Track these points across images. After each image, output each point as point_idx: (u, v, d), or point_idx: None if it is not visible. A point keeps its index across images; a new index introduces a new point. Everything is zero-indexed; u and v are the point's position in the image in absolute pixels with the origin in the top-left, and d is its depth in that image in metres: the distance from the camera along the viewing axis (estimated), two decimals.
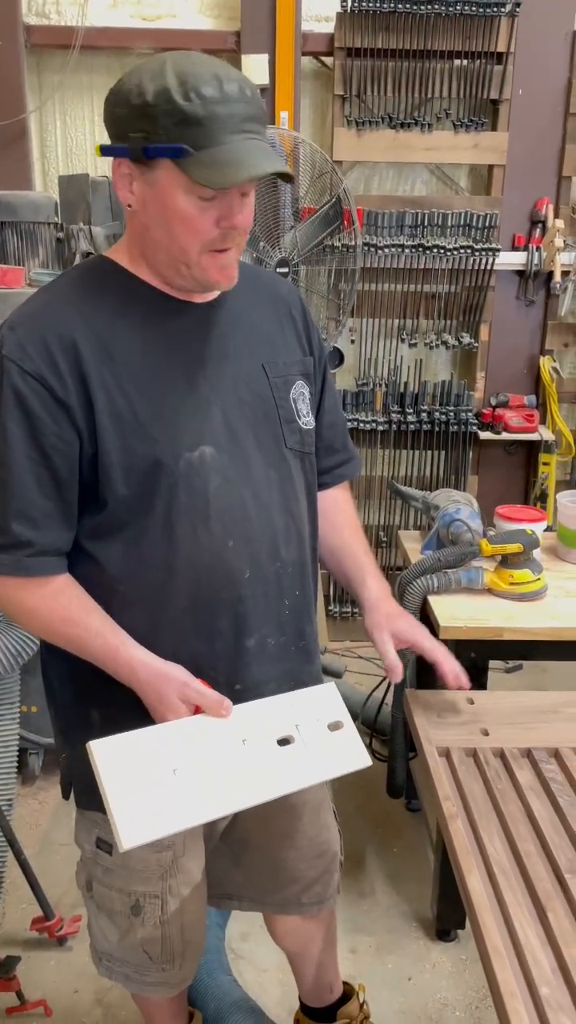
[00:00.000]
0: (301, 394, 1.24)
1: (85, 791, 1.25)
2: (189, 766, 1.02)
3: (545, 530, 2.12)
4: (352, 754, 1.15)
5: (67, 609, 1.09)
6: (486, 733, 1.28)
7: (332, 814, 1.48)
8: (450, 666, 1.29)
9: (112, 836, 1.22)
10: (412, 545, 2.21)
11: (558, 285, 3.08)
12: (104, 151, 1.06)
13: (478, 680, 1.83)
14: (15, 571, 1.08)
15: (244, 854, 1.42)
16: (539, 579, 1.87)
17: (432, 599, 1.87)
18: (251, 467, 1.14)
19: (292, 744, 1.11)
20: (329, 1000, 1.63)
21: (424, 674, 2.19)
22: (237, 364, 1.16)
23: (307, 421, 1.24)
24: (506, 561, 1.88)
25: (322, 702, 1.19)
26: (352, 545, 1.39)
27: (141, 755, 1.01)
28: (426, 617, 1.91)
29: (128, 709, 1.10)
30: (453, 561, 1.93)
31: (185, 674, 1.09)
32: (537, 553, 1.94)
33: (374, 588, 1.35)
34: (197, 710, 1.09)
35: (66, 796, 1.28)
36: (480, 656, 1.81)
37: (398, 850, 2.31)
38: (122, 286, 1.12)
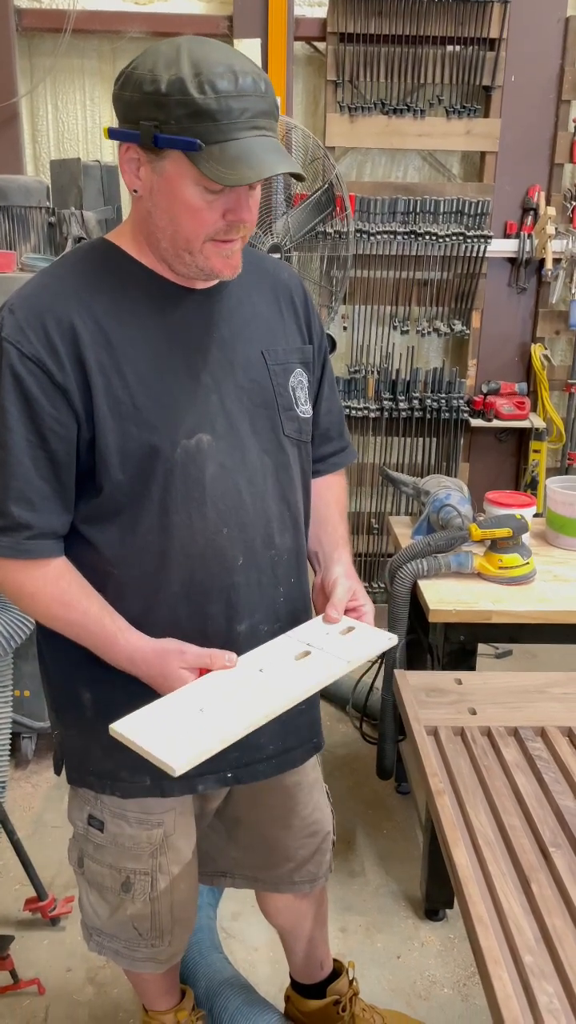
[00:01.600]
0: (300, 382, 1.24)
1: (75, 768, 1.26)
2: (214, 702, 1.03)
3: (534, 516, 2.14)
4: (373, 639, 1.15)
5: (66, 593, 1.11)
6: (473, 712, 1.30)
7: (325, 794, 1.50)
8: (335, 603, 1.20)
9: (103, 813, 1.24)
10: (403, 530, 2.23)
11: (549, 272, 3.09)
12: (112, 134, 1.05)
13: (466, 662, 1.85)
14: (14, 554, 1.08)
15: (237, 832, 1.44)
16: (528, 563, 1.89)
17: (422, 583, 1.89)
18: (247, 454, 1.15)
19: (310, 655, 1.12)
20: (319, 977, 1.65)
21: (414, 660, 2.22)
22: (236, 351, 1.17)
23: (305, 409, 1.25)
24: (495, 546, 1.90)
25: (322, 625, 1.20)
26: (335, 524, 1.37)
27: (163, 715, 1.02)
28: (416, 601, 1.93)
29: (119, 690, 1.12)
30: (443, 545, 1.95)
31: (178, 644, 1.10)
32: (526, 538, 1.95)
33: (345, 558, 1.31)
34: (202, 672, 1.10)
35: (58, 772, 1.30)
36: (469, 639, 1.83)
37: (388, 832, 2.34)
38: (123, 271, 1.12)
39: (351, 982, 1.68)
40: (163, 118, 0.99)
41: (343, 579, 1.25)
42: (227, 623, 1.16)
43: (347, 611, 1.22)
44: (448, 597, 1.83)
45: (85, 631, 1.11)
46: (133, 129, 1.02)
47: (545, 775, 1.15)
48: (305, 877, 1.48)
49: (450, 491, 2.09)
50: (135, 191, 1.07)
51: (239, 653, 1.12)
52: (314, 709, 1.34)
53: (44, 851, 2.19)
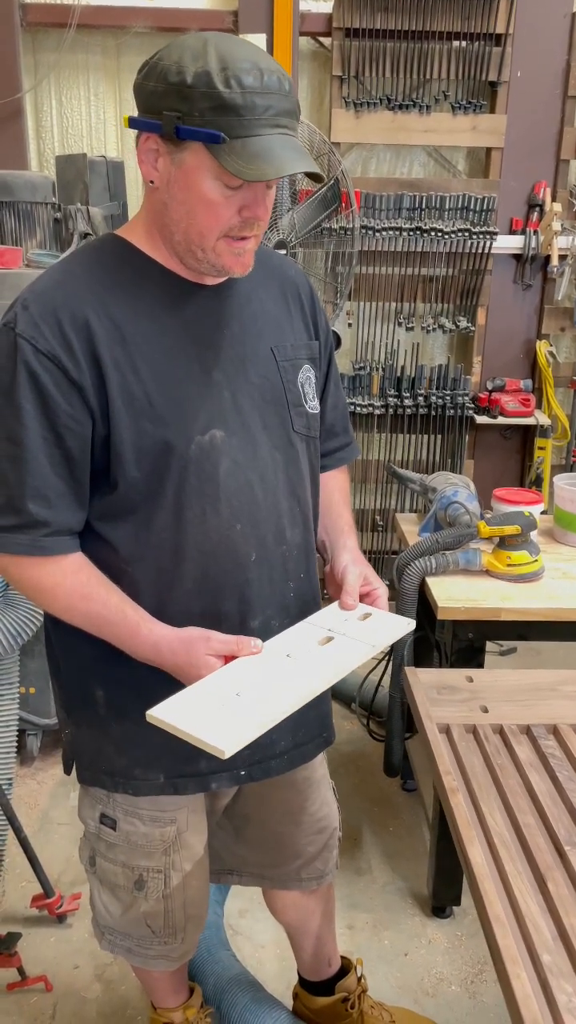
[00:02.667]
0: (308, 378, 1.24)
1: (87, 767, 1.26)
2: (249, 686, 1.03)
3: (541, 514, 2.13)
4: (393, 625, 1.16)
5: (86, 586, 1.10)
6: (485, 710, 1.30)
7: (332, 791, 1.49)
8: (348, 590, 1.22)
9: (115, 812, 1.23)
10: (409, 528, 2.23)
11: (555, 269, 3.08)
12: (133, 123, 1.04)
13: (475, 659, 1.85)
14: (32, 551, 1.08)
15: (246, 829, 1.44)
16: (536, 560, 1.89)
17: (430, 580, 1.89)
18: (258, 450, 1.15)
19: (334, 640, 1.12)
20: (327, 974, 1.65)
21: (421, 657, 2.21)
22: (247, 347, 1.16)
23: (313, 405, 1.24)
24: (504, 543, 1.90)
25: (341, 610, 1.20)
26: (339, 513, 1.37)
27: (200, 699, 1.02)
28: (424, 598, 1.92)
29: (131, 689, 1.11)
30: (451, 543, 1.94)
31: (202, 631, 1.09)
32: (534, 535, 1.95)
33: (353, 546, 1.32)
34: (228, 659, 1.09)
35: (67, 771, 1.29)
36: (477, 637, 1.83)
37: (394, 829, 2.33)
38: (135, 267, 1.12)
39: (359, 979, 1.68)
40: (187, 110, 0.98)
41: (352, 566, 1.26)
42: (240, 619, 1.16)
43: (361, 596, 1.23)
44: (456, 594, 1.82)
45: (106, 622, 1.10)
46: (155, 119, 1.01)
47: (559, 773, 1.15)
48: (313, 874, 1.48)
49: (457, 488, 2.09)
50: (151, 182, 1.07)
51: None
52: (324, 703, 1.34)
53: (50, 848, 2.19)
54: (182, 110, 0.98)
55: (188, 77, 0.97)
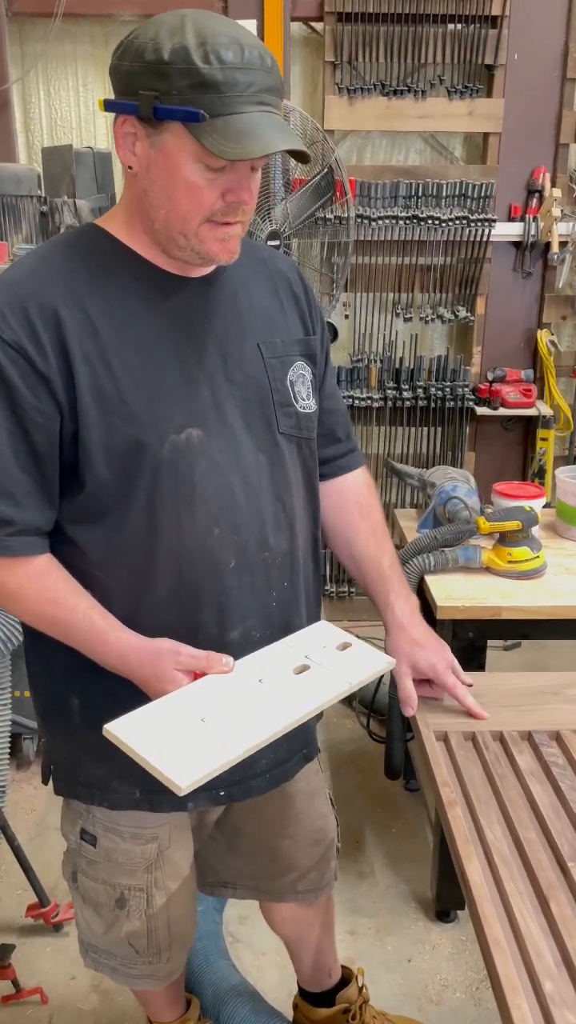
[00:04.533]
0: (301, 376, 1.18)
1: (63, 778, 1.22)
2: (215, 712, 0.98)
3: (543, 507, 2.08)
4: (372, 661, 1.11)
5: (52, 590, 1.05)
6: (485, 718, 1.24)
7: (328, 801, 1.45)
8: (470, 705, 1.24)
9: (92, 827, 1.19)
10: (408, 523, 2.18)
11: (555, 256, 3.01)
12: (108, 106, 0.99)
13: (476, 660, 1.80)
14: None
15: (238, 842, 1.39)
16: (538, 557, 1.84)
17: (429, 578, 1.84)
18: (240, 452, 1.09)
19: (309, 670, 1.08)
20: (328, 985, 1.61)
21: None
22: (230, 344, 1.11)
23: (306, 405, 1.18)
24: (504, 539, 1.85)
25: (321, 634, 1.16)
26: (376, 558, 1.31)
27: (162, 720, 0.97)
28: (423, 597, 1.87)
29: (107, 698, 1.06)
30: (450, 539, 1.89)
31: (173, 644, 1.04)
32: (536, 530, 1.90)
33: (398, 609, 1.28)
34: (197, 676, 1.05)
35: (45, 781, 1.25)
36: (479, 636, 1.78)
37: (397, 830, 2.29)
38: (113, 257, 1.06)
39: (361, 989, 1.64)
40: (164, 88, 0.93)
41: (434, 658, 1.26)
42: (219, 629, 1.11)
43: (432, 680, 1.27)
44: (456, 593, 1.77)
45: (73, 629, 1.05)
46: (131, 100, 0.96)
47: (562, 783, 1.10)
48: (309, 886, 1.44)
49: (457, 483, 2.03)
50: (130, 167, 1.02)
51: (233, 659, 1.07)
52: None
53: (46, 854, 2.15)
54: (160, 89, 0.93)
55: (165, 54, 0.92)
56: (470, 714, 1.25)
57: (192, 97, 0.92)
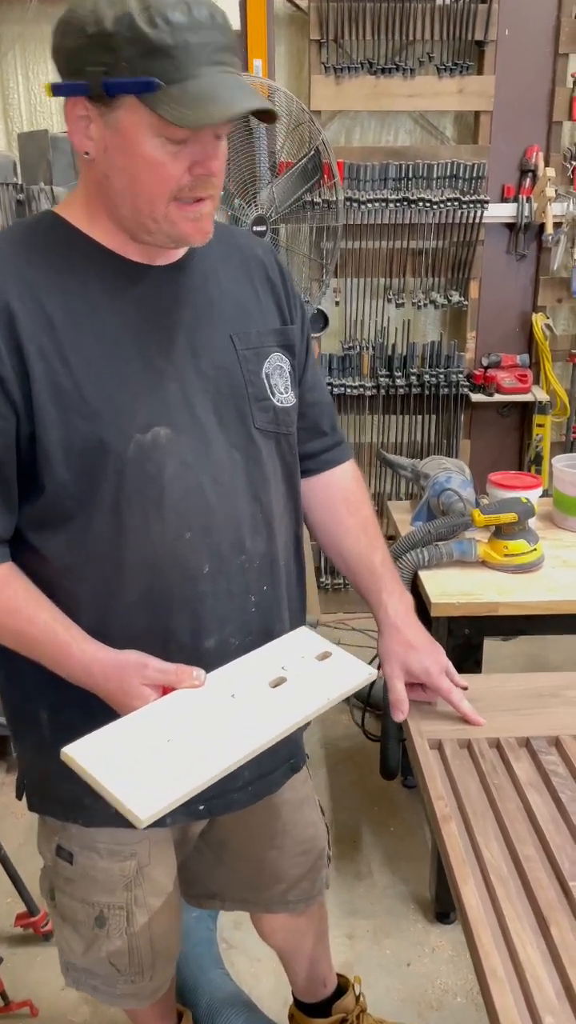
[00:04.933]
0: (278, 368, 1.12)
1: (36, 793, 1.17)
2: (183, 731, 0.92)
3: (541, 495, 2.02)
4: (352, 672, 1.05)
5: (12, 600, 0.99)
6: (481, 724, 1.19)
7: (317, 809, 1.40)
8: (466, 711, 1.18)
9: (69, 845, 1.14)
10: (402, 516, 2.12)
11: (550, 237, 2.95)
12: (55, 90, 0.92)
13: (472, 657, 1.75)
14: None
15: (225, 854, 1.34)
16: (535, 549, 1.78)
17: (423, 574, 1.78)
18: (212, 449, 1.03)
19: (286, 683, 1.02)
20: (323, 995, 1.56)
21: None
22: (200, 335, 1.04)
23: (284, 398, 1.12)
24: (500, 532, 1.79)
25: (299, 643, 1.10)
26: (366, 555, 1.24)
27: (125, 741, 0.92)
28: (416, 593, 1.81)
29: (78, 712, 1.01)
30: (444, 533, 1.84)
31: (141, 656, 0.98)
32: (532, 522, 1.84)
33: (391, 609, 1.22)
34: (168, 690, 0.99)
35: (19, 797, 1.20)
36: (475, 633, 1.72)
37: (395, 828, 2.25)
38: (71, 246, 0.99)
39: (358, 998, 1.60)
40: (112, 61, 0.86)
41: (387, 662, 1.20)
42: (193, 638, 1.05)
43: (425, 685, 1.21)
44: (451, 589, 1.72)
45: (34, 641, 0.99)
46: (79, 80, 0.89)
47: (562, 793, 1.05)
48: (300, 896, 1.39)
49: (451, 473, 1.97)
50: (86, 153, 0.95)
51: (207, 671, 1.01)
52: None
53: (36, 860, 2.09)
54: (107, 63, 0.86)
55: (108, 24, 0.85)
56: (465, 720, 1.19)
57: (143, 66, 0.85)
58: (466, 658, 1.72)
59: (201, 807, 1.13)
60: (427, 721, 1.21)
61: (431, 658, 1.20)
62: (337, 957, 1.88)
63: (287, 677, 1.03)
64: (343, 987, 1.59)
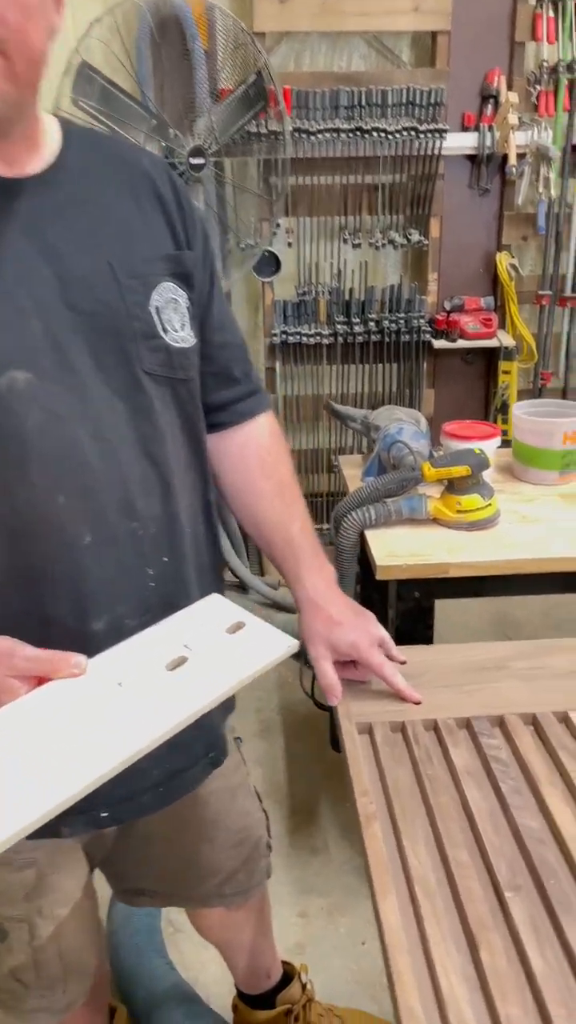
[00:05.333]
0: (171, 301, 0.95)
1: None
2: (54, 732, 0.78)
3: (501, 446, 1.88)
4: (269, 645, 0.91)
5: None
6: (418, 702, 1.06)
7: (252, 797, 1.27)
8: (400, 687, 1.05)
9: None
10: (353, 471, 1.97)
11: (514, 169, 2.76)
12: None
13: (423, 622, 1.62)
14: None
15: (151, 849, 1.21)
16: (490, 504, 1.64)
17: (369, 534, 1.64)
18: (89, 398, 0.87)
19: (186, 664, 0.88)
20: (267, 986, 1.46)
21: None
22: (70, 262, 0.87)
23: (180, 337, 0.96)
24: (452, 486, 1.65)
25: (208, 614, 0.95)
26: (283, 524, 1.10)
27: None
28: (364, 555, 1.68)
29: None
30: (393, 489, 1.69)
31: (8, 644, 0.83)
32: (488, 475, 1.70)
33: (309, 584, 1.08)
34: (40, 682, 0.85)
35: None
36: (425, 596, 1.59)
37: (353, 801, 2.14)
38: None
39: (304, 986, 1.50)
40: None
41: (310, 643, 1.07)
42: (77, 620, 0.90)
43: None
44: (399, 549, 1.58)
45: None
46: None
47: (503, 784, 0.92)
48: (236, 889, 1.27)
49: (402, 424, 1.83)
50: None
51: (90, 656, 0.86)
52: (209, 714, 1.09)
53: None
54: None
55: None
56: (401, 698, 1.06)
57: None
58: (416, 624, 1.59)
59: (104, 814, 0.99)
60: (359, 702, 1.08)
61: (358, 631, 1.06)
62: (288, 938, 1.79)
63: (189, 656, 0.89)
64: (289, 976, 1.49)
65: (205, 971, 1.72)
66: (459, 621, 2.83)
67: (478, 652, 1.18)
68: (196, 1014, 1.51)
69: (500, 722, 1.04)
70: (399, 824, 0.88)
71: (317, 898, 1.88)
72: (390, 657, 1.09)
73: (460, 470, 1.60)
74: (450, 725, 1.03)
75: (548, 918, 0.77)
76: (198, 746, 1.07)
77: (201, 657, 0.89)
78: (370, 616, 1.10)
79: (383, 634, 1.10)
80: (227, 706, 1.17)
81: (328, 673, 1.06)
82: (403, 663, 1.11)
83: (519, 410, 1.86)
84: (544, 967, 0.72)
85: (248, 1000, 1.48)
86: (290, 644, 0.93)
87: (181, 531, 0.99)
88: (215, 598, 0.99)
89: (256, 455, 1.11)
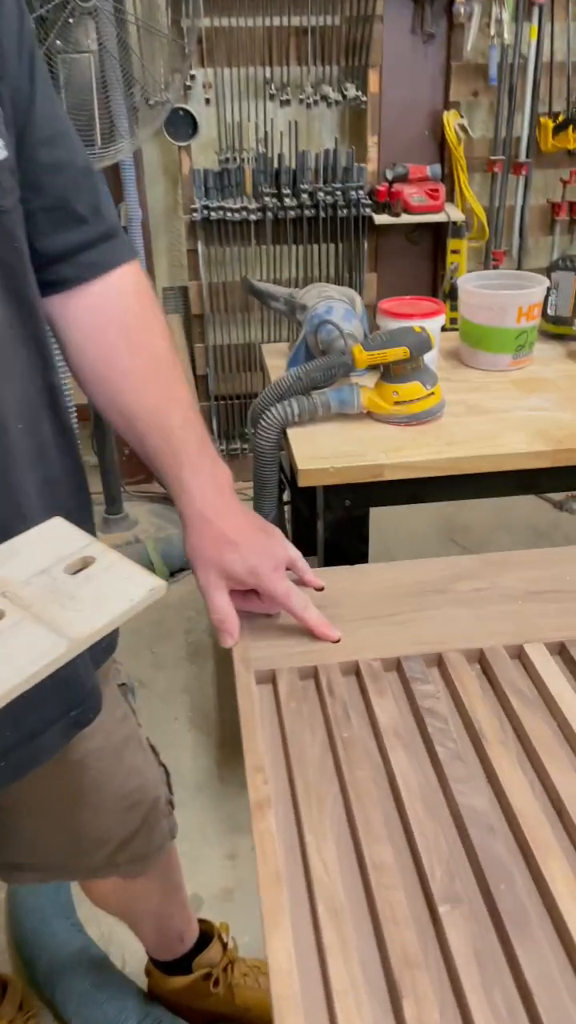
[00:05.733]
0: None
1: None
2: None
3: (444, 329, 1.62)
4: (124, 589, 0.66)
5: None
6: (336, 640, 0.83)
7: (145, 751, 1.05)
8: (312, 621, 0.83)
9: None
10: (276, 362, 1.71)
11: (462, 9, 2.39)
12: None
13: (357, 533, 1.39)
14: None
15: (21, 820, 0.99)
16: (432, 393, 1.39)
17: (291, 432, 1.39)
18: None
19: (3, 618, 0.62)
20: (181, 951, 1.29)
21: (302, 536, 1.75)
22: None
23: None
24: (389, 373, 1.39)
25: (44, 546, 0.69)
26: (158, 414, 0.83)
27: None
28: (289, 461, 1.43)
29: None
30: (319, 378, 1.43)
31: None
32: (431, 359, 1.45)
33: (196, 491, 0.82)
34: None
35: None
36: (357, 504, 1.35)
37: None
38: None
39: (226, 947, 1.33)
40: None
41: (199, 569, 0.83)
42: None
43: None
44: (324, 451, 1.33)
45: None
46: None
47: (440, 747, 0.71)
48: (132, 856, 1.07)
49: (332, 303, 1.55)
50: None
51: None
52: (70, 664, 0.83)
53: None
54: None
55: None
56: (312, 635, 0.83)
57: None
58: (347, 537, 1.36)
59: None
60: (260, 642, 0.84)
61: (259, 553, 0.81)
62: (215, 883, 1.63)
63: (5, 609, 0.63)
64: (208, 936, 1.32)
65: (120, 933, 1.54)
66: (401, 530, 2.63)
67: (412, 571, 0.95)
68: (105, 982, 1.33)
69: (438, 661, 0.82)
70: (302, 812, 0.66)
71: (246, 837, 1.71)
72: (301, 583, 0.86)
73: (397, 352, 1.34)
74: (375, 668, 0.80)
75: (498, 942, 0.56)
76: (53, 705, 0.83)
77: (26, 611, 0.63)
78: (275, 532, 0.86)
79: (292, 554, 0.85)
80: (101, 648, 0.93)
81: (220, 606, 0.82)
82: (320, 590, 0.88)
83: (467, 283, 1.60)
84: (490, 1018, 0.51)
85: (162, 966, 1.31)
86: (153, 586, 0.66)
87: (7, 431, 0.72)
88: (57, 523, 0.72)
89: (118, 322, 0.83)
